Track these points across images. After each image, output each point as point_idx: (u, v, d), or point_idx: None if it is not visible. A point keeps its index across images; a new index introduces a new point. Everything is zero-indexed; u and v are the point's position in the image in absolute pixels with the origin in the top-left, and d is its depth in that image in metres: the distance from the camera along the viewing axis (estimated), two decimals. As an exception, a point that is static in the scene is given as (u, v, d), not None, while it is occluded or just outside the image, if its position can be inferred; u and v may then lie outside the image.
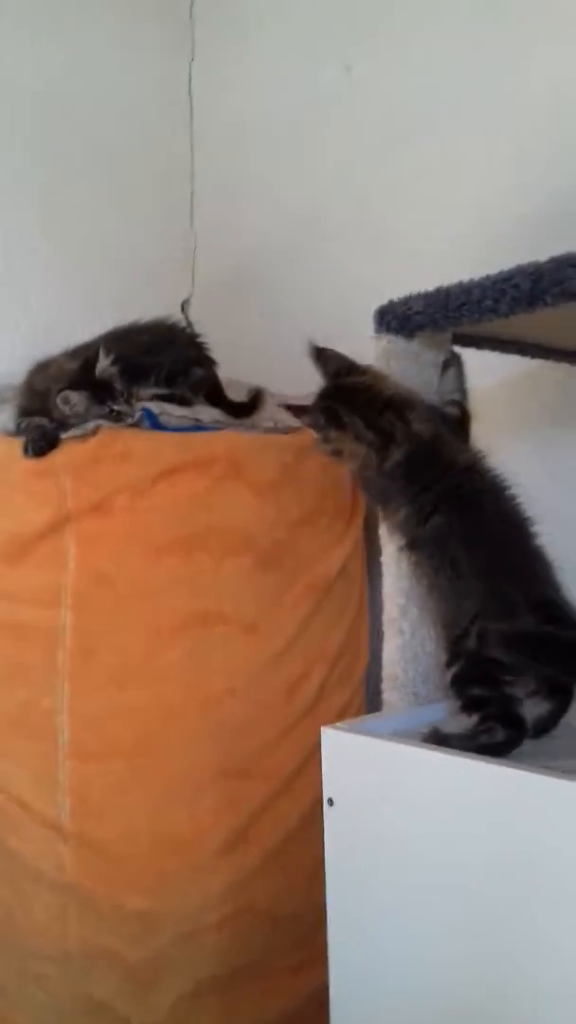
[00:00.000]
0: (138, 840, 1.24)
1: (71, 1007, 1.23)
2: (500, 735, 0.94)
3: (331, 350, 1.12)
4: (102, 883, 1.22)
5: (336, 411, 1.05)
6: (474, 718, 0.97)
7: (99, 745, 1.22)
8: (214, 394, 1.48)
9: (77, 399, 1.26)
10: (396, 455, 1.02)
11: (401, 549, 1.07)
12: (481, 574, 0.98)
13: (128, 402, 1.30)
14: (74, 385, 1.27)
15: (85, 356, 1.31)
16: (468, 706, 0.98)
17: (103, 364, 1.28)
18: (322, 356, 1.11)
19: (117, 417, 1.28)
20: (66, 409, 1.26)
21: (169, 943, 1.24)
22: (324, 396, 1.09)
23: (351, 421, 1.04)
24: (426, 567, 1.04)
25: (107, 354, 1.29)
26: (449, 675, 1.01)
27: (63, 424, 1.27)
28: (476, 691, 0.97)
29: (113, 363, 1.29)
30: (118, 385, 1.29)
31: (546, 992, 0.80)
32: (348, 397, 1.06)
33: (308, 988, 1.29)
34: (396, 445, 1.02)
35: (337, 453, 1.07)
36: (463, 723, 1.00)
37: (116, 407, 1.28)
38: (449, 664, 1.01)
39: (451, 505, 1.01)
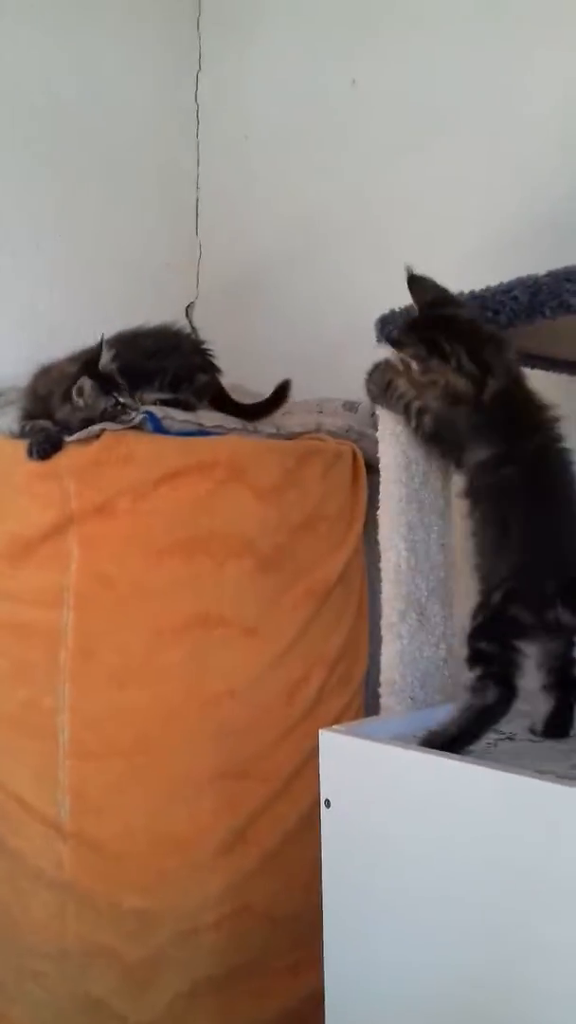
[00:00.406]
0: (137, 839, 1.25)
1: (68, 1004, 1.24)
2: (491, 695, 0.97)
3: (427, 278, 1.09)
4: (101, 881, 1.23)
5: (438, 341, 1.03)
6: (474, 672, 0.99)
7: (99, 744, 1.24)
8: (219, 399, 1.49)
9: (89, 388, 1.28)
10: (493, 387, 1.02)
11: (461, 495, 1.08)
12: (529, 535, 1.00)
13: (131, 395, 1.31)
14: (79, 378, 1.29)
15: (88, 352, 1.33)
16: (473, 659, 1.00)
17: (106, 358, 1.30)
18: (417, 284, 1.09)
19: (122, 409, 1.29)
20: (79, 401, 1.28)
21: (167, 942, 1.25)
22: (425, 326, 1.06)
23: (454, 351, 1.02)
24: (479, 517, 1.05)
25: (109, 348, 1.31)
26: (469, 627, 1.03)
27: (66, 427, 1.29)
28: (484, 645, 0.99)
29: (113, 359, 1.31)
30: (120, 379, 1.31)
31: (542, 994, 0.80)
32: (449, 327, 1.04)
33: (305, 989, 1.30)
34: (494, 379, 1.02)
35: (432, 384, 1.06)
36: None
37: (122, 399, 1.29)
38: (473, 617, 1.02)
39: (526, 457, 1.02)
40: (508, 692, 0.97)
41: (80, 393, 1.28)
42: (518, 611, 0.98)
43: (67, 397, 1.29)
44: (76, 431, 1.27)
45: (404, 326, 1.08)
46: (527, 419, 1.04)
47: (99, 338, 1.32)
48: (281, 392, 1.53)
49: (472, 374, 1.01)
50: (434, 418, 1.07)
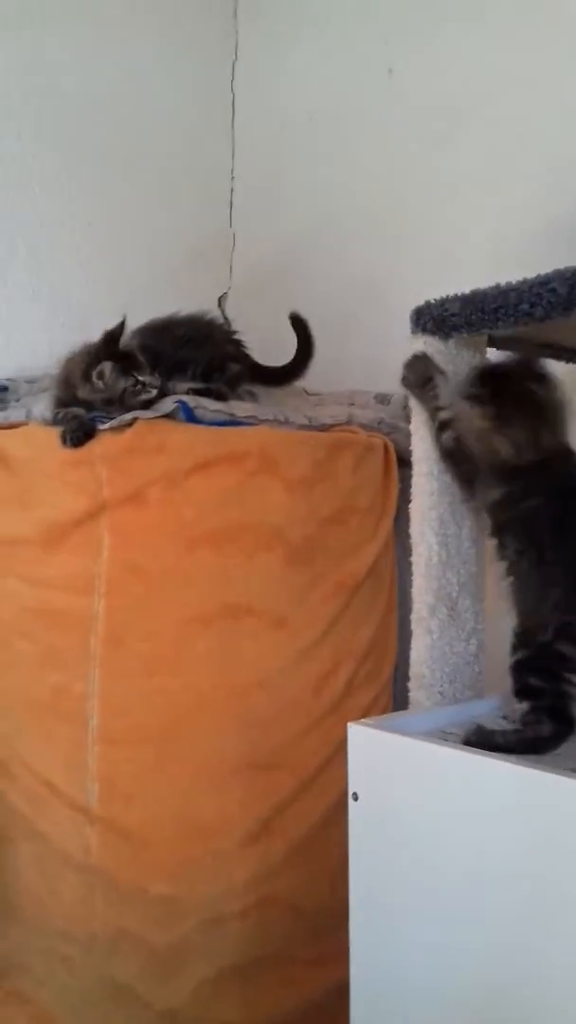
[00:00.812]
0: (164, 826, 1.25)
1: (94, 989, 1.25)
2: (547, 728, 0.96)
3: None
4: (128, 867, 1.24)
5: (508, 409, 1.05)
6: (524, 706, 0.99)
7: (128, 731, 1.24)
8: (254, 373, 1.51)
9: (109, 371, 1.28)
10: (526, 459, 1.04)
11: (489, 536, 1.08)
12: (570, 565, 0.99)
13: (152, 373, 1.32)
14: (99, 357, 1.30)
15: (107, 331, 1.33)
16: (522, 692, 0.99)
17: (126, 336, 1.31)
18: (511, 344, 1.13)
19: (143, 388, 1.30)
20: (99, 383, 1.29)
21: (192, 929, 1.26)
22: (508, 387, 1.08)
23: (517, 424, 1.05)
24: (512, 554, 1.04)
25: (129, 330, 1.32)
26: (512, 660, 1.02)
27: (88, 407, 1.30)
28: (535, 680, 0.99)
29: (133, 336, 1.33)
30: (140, 357, 1.32)
31: (570, 989, 0.80)
32: (526, 400, 1.06)
33: (329, 982, 1.30)
34: (533, 454, 1.04)
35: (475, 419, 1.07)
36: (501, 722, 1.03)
37: (142, 377, 1.30)
38: (515, 650, 1.02)
39: (552, 488, 1.03)
40: (564, 727, 0.96)
41: (100, 376, 1.29)
42: (567, 646, 0.97)
43: (87, 376, 1.30)
44: (99, 410, 1.28)
45: (492, 375, 1.08)
46: (555, 441, 1.05)
47: (122, 317, 1.32)
48: (301, 332, 1.53)
49: (519, 447, 1.04)
50: (456, 439, 1.08)
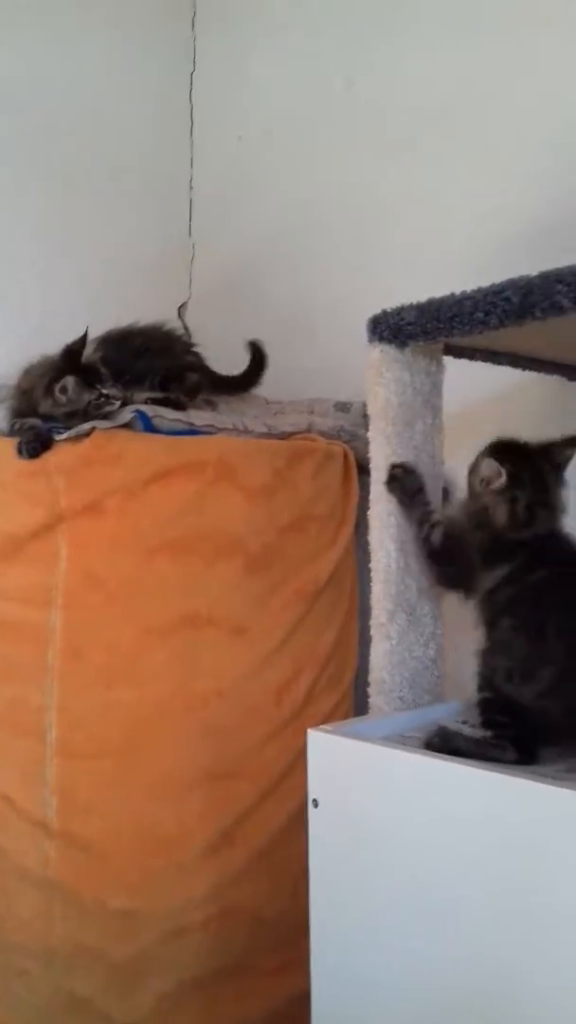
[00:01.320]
0: (123, 839, 1.24)
1: (54, 1004, 1.24)
2: (510, 755, 0.95)
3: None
4: (87, 881, 1.23)
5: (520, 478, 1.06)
6: (489, 734, 0.99)
7: (86, 744, 1.23)
8: (211, 384, 1.51)
9: (72, 386, 1.28)
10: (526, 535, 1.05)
11: (482, 619, 1.06)
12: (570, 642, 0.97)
13: (115, 385, 1.32)
14: (62, 372, 1.29)
15: (68, 346, 1.33)
16: (488, 724, 1.00)
17: (88, 349, 1.31)
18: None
19: (107, 400, 1.30)
20: (62, 398, 1.28)
21: (153, 941, 1.25)
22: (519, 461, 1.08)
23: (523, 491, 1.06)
24: (506, 628, 1.02)
25: (97, 345, 1.33)
26: (479, 696, 1.03)
27: (51, 418, 1.29)
28: (501, 717, 0.99)
29: (96, 350, 1.32)
30: (103, 369, 1.31)
31: (531, 995, 0.80)
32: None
33: (291, 990, 1.29)
34: (533, 528, 1.05)
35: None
36: (462, 727, 1.04)
37: (105, 390, 1.30)
38: (481, 689, 1.03)
39: (556, 559, 1.03)
40: (528, 757, 0.95)
41: (64, 391, 1.28)
42: (550, 715, 0.97)
43: (49, 391, 1.29)
44: (61, 424, 1.28)
45: (514, 450, 1.08)
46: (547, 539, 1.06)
47: (84, 330, 1.32)
48: (257, 355, 1.55)
49: (520, 520, 1.04)
50: (446, 535, 1.09)
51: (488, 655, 1.03)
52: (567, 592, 1.00)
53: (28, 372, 1.37)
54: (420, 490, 1.11)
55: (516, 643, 1.00)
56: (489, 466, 1.05)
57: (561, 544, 1.06)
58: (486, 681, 1.03)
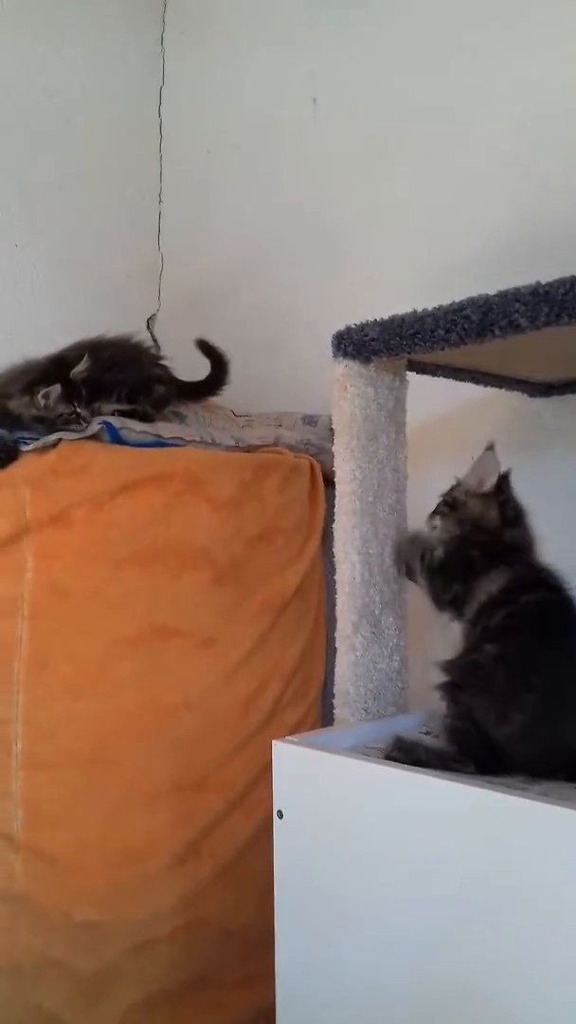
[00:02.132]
0: (90, 851, 1.24)
1: (20, 1018, 1.23)
2: (470, 770, 0.94)
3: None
4: (53, 894, 1.22)
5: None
6: (453, 748, 0.98)
7: (53, 755, 1.23)
8: (179, 391, 1.53)
9: (56, 395, 1.30)
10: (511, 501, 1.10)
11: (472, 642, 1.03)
12: (553, 685, 0.95)
13: (88, 407, 1.34)
14: (50, 377, 1.31)
15: (59, 355, 1.35)
16: (451, 733, 0.99)
17: (81, 367, 1.33)
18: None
19: (76, 419, 1.32)
20: (41, 402, 1.30)
21: (120, 954, 1.24)
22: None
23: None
24: (489, 657, 0.98)
25: (86, 360, 1.34)
26: (451, 722, 1.00)
27: (15, 420, 1.30)
28: (467, 741, 0.97)
29: (83, 371, 1.34)
30: (83, 391, 1.33)
31: (496, 1008, 0.81)
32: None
33: (259, 1002, 1.30)
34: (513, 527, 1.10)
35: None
36: (424, 738, 1.05)
37: (80, 409, 1.32)
38: (453, 716, 1.00)
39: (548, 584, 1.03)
40: (488, 773, 0.93)
41: (47, 396, 1.30)
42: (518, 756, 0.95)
43: (28, 391, 1.31)
44: (27, 426, 1.29)
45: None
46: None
47: (53, 353, 1.35)
48: (214, 356, 1.57)
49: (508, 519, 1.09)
50: (446, 551, 1.10)
51: (466, 680, 1.00)
52: (554, 623, 0.99)
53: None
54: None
55: (497, 675, 0.96)
56: (485, 466, 1.10)
57: (546, 570, 1.06)
58: (460, 711, 0.99)
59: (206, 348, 1.57)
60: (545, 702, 0.94)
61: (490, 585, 1.03)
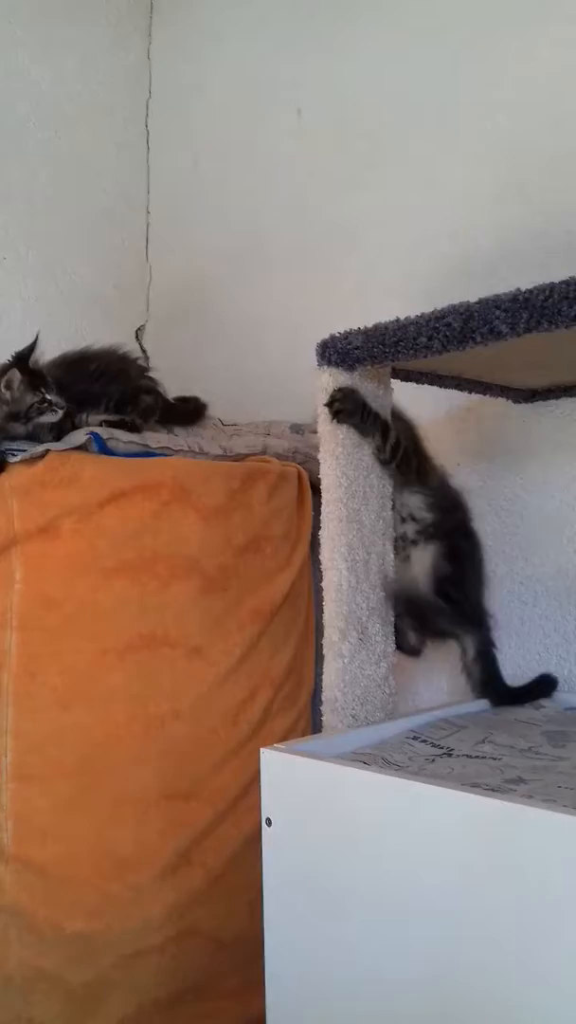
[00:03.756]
0: (81, 862, 1.24)
1: (12, 1031, 1.23)
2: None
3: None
4: (44, 905, 1.22)
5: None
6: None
7: (43, 767, 1.23)
8: (167, 415, 1.52)
9: (17, 382, 1.30)
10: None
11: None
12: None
13: (59, 395, 1.33)
14: (7, 368, 1.31)
15: (19, 353, 1.34)
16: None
17: (37, 354, 1.34)
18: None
19: (48, 406, 1.31)
20: (6, 394, 1.30)
21: (111, 965, 1.24)
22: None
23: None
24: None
25: (34, 343, 1.34)
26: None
27: (8, 432, 1.30)
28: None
29: (45, 368, 1.35)
30: (48, 377, 1.33)
31: (488, 1016, 0.81)
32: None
33: (250, 1012, 1.29)
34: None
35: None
36: (412, 743, 1.05)
37: (48, 396, 1.31)
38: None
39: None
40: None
41: (8, 386, 1.30)
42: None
43: None
44: (6, 429, 1.30)
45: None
46: None
47: (35, 335, 1.34)
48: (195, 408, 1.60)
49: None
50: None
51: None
52: None
53: None
54: (365, 404, 1.14)
55: None
56: None
57: None
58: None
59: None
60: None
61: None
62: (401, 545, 1.24)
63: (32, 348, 1.33)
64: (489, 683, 1.27)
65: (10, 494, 1.24)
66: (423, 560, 1.22)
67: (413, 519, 1.23)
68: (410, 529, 1.23)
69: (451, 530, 1.24)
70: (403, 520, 1.24)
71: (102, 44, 2.00)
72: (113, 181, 2.03)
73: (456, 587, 1.22)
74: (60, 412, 1.32)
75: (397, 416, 1.23)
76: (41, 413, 1.31)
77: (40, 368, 1.34)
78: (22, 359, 1.32)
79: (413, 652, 1.27)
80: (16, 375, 1.29)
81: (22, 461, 1.26)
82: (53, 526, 1.25)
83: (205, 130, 1.98)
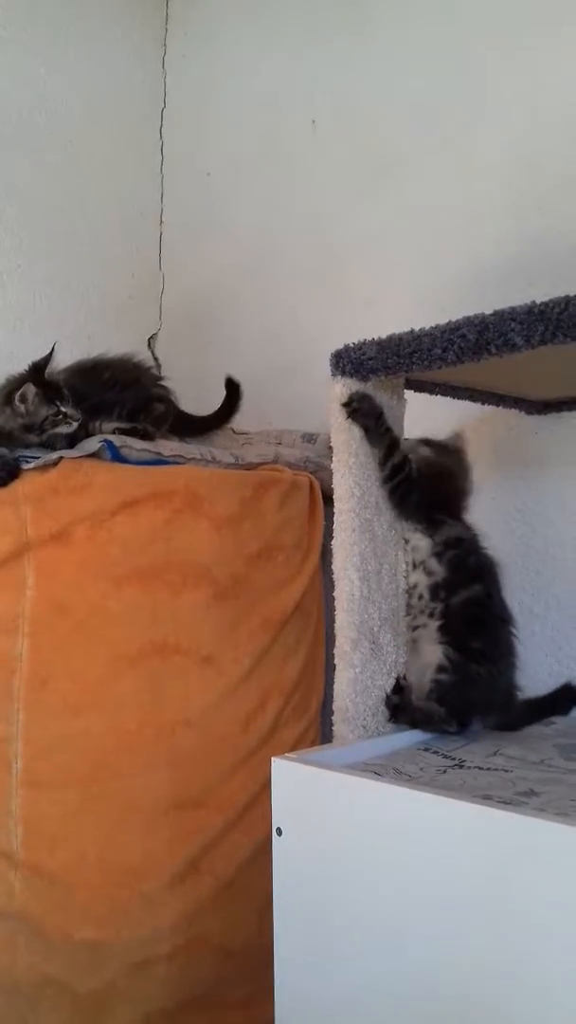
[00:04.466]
0: (90, 869, 1.24)
1: (18, 1039, 1.22)
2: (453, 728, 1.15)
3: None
4: (52, 912, 1.22)
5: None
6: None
7: (52, 773, 1.23)
8: (179, 422, 1.52)
9: (32, 395, 1.30)
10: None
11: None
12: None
13: (75, 406, 1.33)
14: (23, 381, 1.31)
15: (35, 363, 1.34)
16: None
17: (54, 373, 1.33)
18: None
19: (64, 419, 1.32)
20: (20, 407, 1.30)
21: (119, 974, 1.24)
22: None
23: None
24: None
25: (51, 353, 1.35)
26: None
27: (6, 435, 1.30)
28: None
29: (59, 375, 1.35)
30: (64, 390, 1.33)
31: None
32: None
33: (259, 1021, 1.29)
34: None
35: None
36: (424, 755, 1.05)
37: (64, 408, 1.32)
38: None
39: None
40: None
41: (23, 399, 1.30)
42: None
43: (8, 401, 1.31)
44: (17, 440, 1.29)
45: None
46: None
47: (51, 347, 1.35)
48: (232, 392, 1.59)
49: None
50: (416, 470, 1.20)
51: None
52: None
53: None
54: (380, 415, 1.14)
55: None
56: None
57: None
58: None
59: (230, 384, 1.61)
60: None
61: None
62: (411, 603, 1.18)
63: (48, 360, 1.33)
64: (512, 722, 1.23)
65: (23, 501, 1.25)
66: (431, 644, 1.17)
67: (425, 570, 1.18)
68: (422, 582, 1.18)
69: (468, 602, 1.16)
70: (414, 567, 1.19)
71: (117, 55, 2.02)
72: (127, 191, 2.04)
73: (458, 671, 1.14)
74: (75, 424, 1.32)
75: (448, 450, 1.22)
76: (56, 425, 1.31)
77: (56, 380, 1.34)
78: (38, 371, 1.32)
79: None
80: (31, 389, 1.30)
81: (35, 468, 1.27)
82: (66, 533, 1.25)
83: (219, 141, 1.99)
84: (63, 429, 1.31)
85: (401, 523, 1.19)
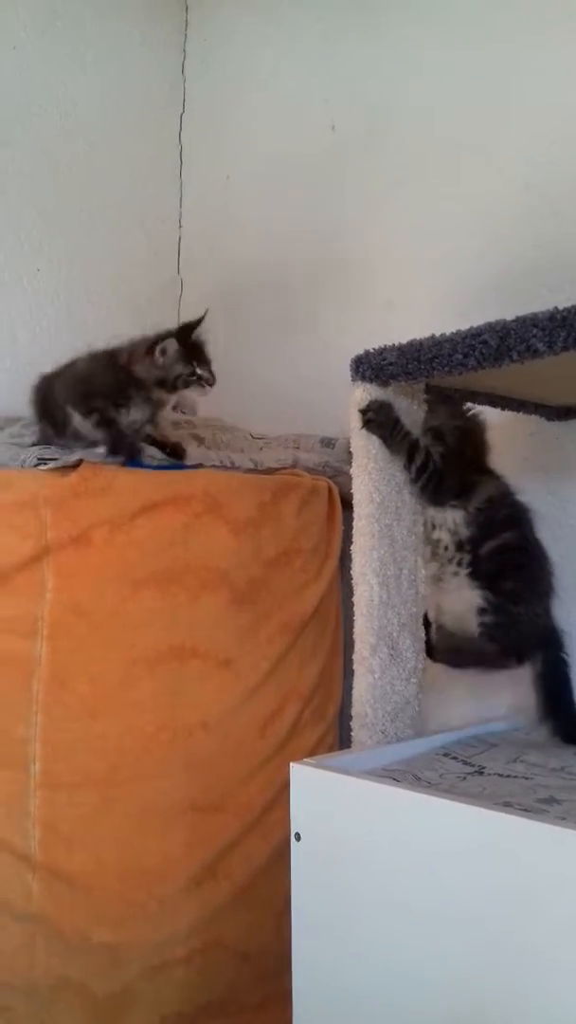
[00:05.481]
0: (107, 871, 1.24)
1: (35, 1040, 1.23)
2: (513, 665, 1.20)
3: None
4: (70, 914, 1.22)
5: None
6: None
7: (70, 775, 1.23)
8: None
9: (172, 351, 1.33)
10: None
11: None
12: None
13: (210, 371, 1.36)
14: (169, 334, 1.34)
15: (185, 322, 1.38)
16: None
17: (199, 331, 1.36)
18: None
19: (196, 380, 1.35)
20: (160, 359, 1.33)
21: (136, 976, 1.24)
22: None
23: None
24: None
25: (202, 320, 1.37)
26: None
27: (141, 386, 1.33)
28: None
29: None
30: (206, 354, 1.36)
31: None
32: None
33: (275, 1025, 1.29)
34: None
35: None
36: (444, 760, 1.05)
37: (199, 371, 1.35)
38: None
39: None
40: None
41: (163, 352, 1.33)
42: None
43: (151, 351, 1.34)
44: (153, 390, 1.33)
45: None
46: None
47: (203, 312, 1.39)
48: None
49: None
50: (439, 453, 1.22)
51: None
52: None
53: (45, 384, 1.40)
54: (397, 421, 1.15)
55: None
56: None
57: None
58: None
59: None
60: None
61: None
62: (436, 556, 1.21)
63: (199, 321, 1.37)
64: (555, 711, 1.22)
65: (43, 504, 1.25)
66: (461, 590, 1.19)
67: (448, 530, 1.21)
68: (446, 537, 1.21)
69: (499, 549, 1.19)
70: (435, 527, 1.21)
71: (137, 59, 2.02)
72: (146, 195, 2.05)
73: (499, 612, 1.17)
74: (208, 388, 1.34)
75: (464, 416, 1.24)
76: (187, 385, 1.33)
77: (201, 343, 1.36)
78: (185, 329, 1.35)
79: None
80: (172, 344, 1.32)
81: (55, 469, 1.27)
82: (85, 536, 1.26)
83: (238, 144, 1.99)
84: (195, 391, 1.33)
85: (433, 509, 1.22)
